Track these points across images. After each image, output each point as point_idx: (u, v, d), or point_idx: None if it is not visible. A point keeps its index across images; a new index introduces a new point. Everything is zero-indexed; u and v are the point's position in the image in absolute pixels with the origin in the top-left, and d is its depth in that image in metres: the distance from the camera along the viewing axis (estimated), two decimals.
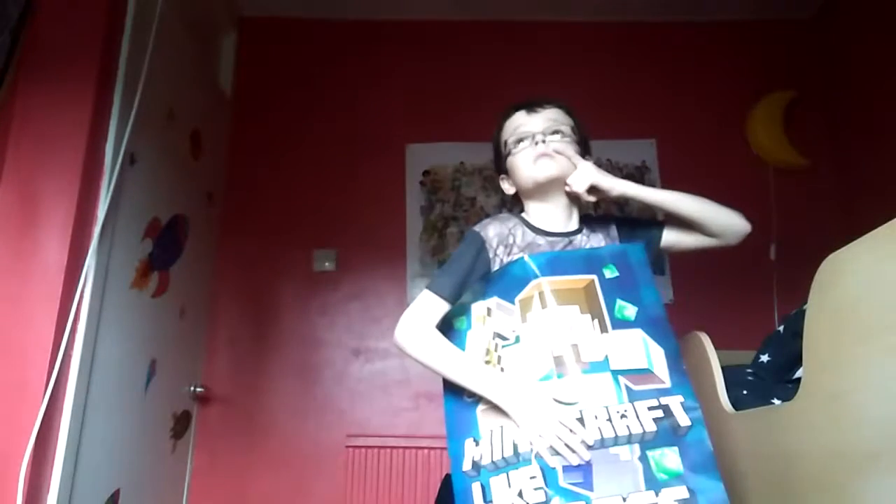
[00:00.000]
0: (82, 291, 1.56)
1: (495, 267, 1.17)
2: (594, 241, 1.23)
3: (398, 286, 2.50)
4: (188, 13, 2.22)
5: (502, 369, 1.09)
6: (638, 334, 1.06)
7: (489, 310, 1.15)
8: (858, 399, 1.01)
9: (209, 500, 2.29)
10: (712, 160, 2.59)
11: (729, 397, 1.54)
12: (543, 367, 1.04)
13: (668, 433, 0.98)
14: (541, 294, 1.08)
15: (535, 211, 1.25)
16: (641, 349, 1.05)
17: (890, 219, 0.93)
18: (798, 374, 1.30)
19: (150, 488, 2.01)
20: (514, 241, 1.19)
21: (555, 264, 1.11)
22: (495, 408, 1.06)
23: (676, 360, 1.05)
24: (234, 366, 2.44)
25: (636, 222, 1.32)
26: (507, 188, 1.31)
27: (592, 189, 1.18)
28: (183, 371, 2.25)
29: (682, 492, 0.94)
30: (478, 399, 1.09)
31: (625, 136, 2.60)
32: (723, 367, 1.58)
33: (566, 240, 1.21)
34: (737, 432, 1.47)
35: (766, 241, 2.48)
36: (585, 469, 0.96)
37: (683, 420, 0.98)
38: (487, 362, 1.11)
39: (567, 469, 0.96)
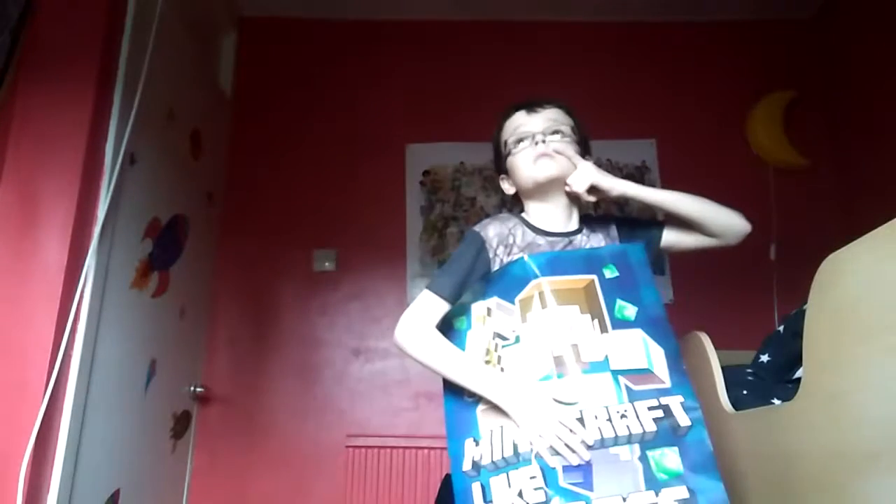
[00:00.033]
0: (82, 291, 1.56)
1: (495, 267, 1.17)
2: (594, 241, 1.23)
3: (398, 286, 2.50)
4: (188, 13, 2.22)
5: (502, 369, 1.09)
6: (638, 334, 1.06)
7: (489, 310, 1.15)
8: (858, 399, 1.01)
9: (209, 500, 2.29)
10: (712, 160, 2.59)
11: (729, 397, 1.54)
12: (543, 367, 1.04)
13: (668, 433, 0.98)
14: (541, 294, 1.08)
15: (535, 211, 1.25)
16: (641, 349, 1.05)
17: (890, 219, 0.93)
18: (798, 374, 1.30)
19: (150, 488, 2.01)
20: (514, 241, 1.18)
21: (555, 264, 1.11)
22: (495, 408, 1.06)
23: (676, 360, 1.05)
24: (234, 366, 2.44)
25: (636, 222, 1.32)
26: (508, 188, 1.31)
27: (592, 189, 1.18)
28: (183, 371, 2.25)
29: (682, 492, 0.94)
30: (478, 399, 1.09)
31: (625, 136, 2.60)
32: (723, 367, 1.58)
33: (566, 240, 1.21)
34: (737, 432, 1.47)
35: (766, 241, 2.48)
36: (585, 469, 0.96)
37: (683, 420, 0.98)
38: (487, 362, 1.11)
39: (567, 469, 0.96)
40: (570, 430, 0.97)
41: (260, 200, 2.60)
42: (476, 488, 1.03)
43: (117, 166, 1.67)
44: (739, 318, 2.28)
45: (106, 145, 1.68)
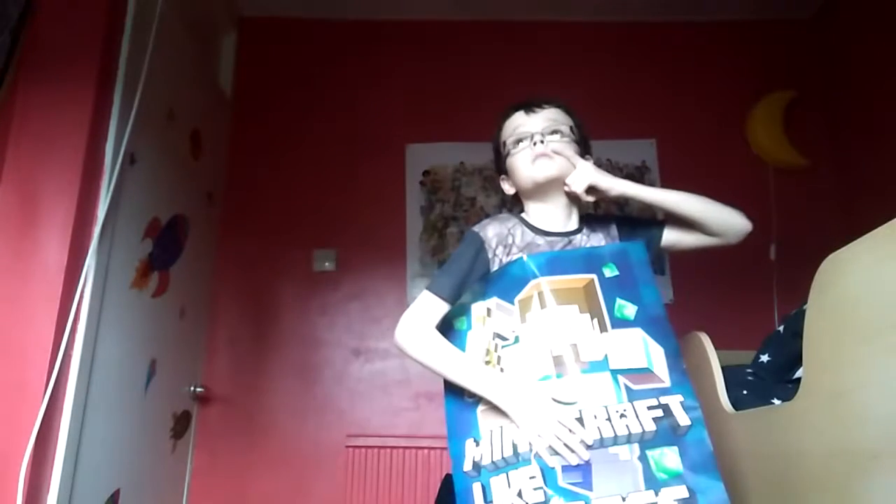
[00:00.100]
0: (82, 291, 1.57)
1: (495, 267, 1.17)
2: (594, 240, 1.23)
3: (398, 286, 2.50)
4: (188, 13, 2.22)
5: (502, 369, 1.09)
6: (638, 333, 1.06)
7: (489, 310, 1.15)
8: (859, 399, 1.01)
9: (209, 500, 2.29)
10: (712, 160, 2.59)
11: (729, 397, 1.54)
12: (543, 367, 1.04)
13: (667, 433, 0.97)
14: (540, 294, 1.08)
15: (535, 211, 1.25)
16: (641, 348, 1.05)
17: (890, 219, 0.93)
18: (798, 374, 1.30)
19: (150, 488, 2.01)
20: (514, 242, 1.18)
21: (554, 264, 1.11)
22: (495, 408, 1.06)
23: (676, 359, 1.05)
24: (234, 366, 2.44)
25: (636, 221, 1.32)
26: (507, 188, 1.31)
27: (591, 189, 1.18)
28: (183, 371, 2.25)
29: (681, 491, 0.94)
30: (478, 399, 1.09)
31: (625, 136, 2.60)
32: (723, 367, 1.58)
33: (566, 239, 1.21)
34: (737, 432, 1.47)
35: (766, 241, 2.48)
36: (585, 469, 0.96)
37: (683, 419, 0.98)
38: (487, 363, 1.11)
39: (566, 469, 0.96)
40: (570, 430, 0.97)
41: (260, 200, 2.61)
42: (476, 488, 1.03)
43: (117, 166, 1.67)
44: (739, 318, 2.28)
45: (106, 145, 1.69)
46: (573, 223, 1.24)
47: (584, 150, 1.26)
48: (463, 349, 1.15)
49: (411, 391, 2.40)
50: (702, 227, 1.19)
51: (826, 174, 2.60)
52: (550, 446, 0.97)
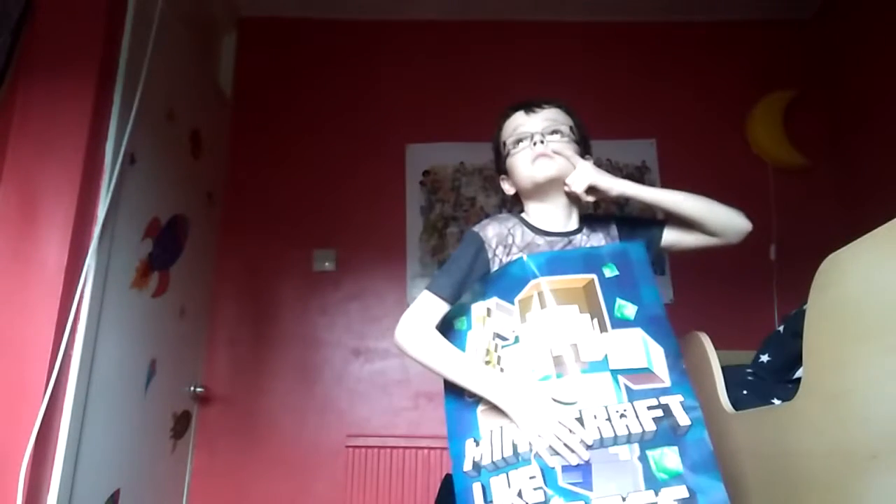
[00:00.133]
0: (82, 291, 1.57)
1: (494, 267, 1.17)
2: (594, 240, 1.23)
3: (398, 286, 2.50)
4: (188, 13, 2.22)
5: (502, 370, 1.09)
6: (637, 333, 1.06)
7: (489, 310, 1.15)
8: (859, 399, 1.01)
9: (209, 500, 2.29)
10: (712, 160, 2.59)
11: (729, 397, 1.54)
12: (543, 367, 1.04)
13: (667, 433, 0.97)
14: (540, 294, 1.08)
15: (535, 211, 1.25)
16: (641, 348, 1.05)
17: (890, 219, 0.93)
18: (798, 374, 1.30)
19: (150, 488, 2.01)
20: (514, 242, 1.18)
21: (554, 264, 1.11)
22: (495, 408, 1.05)
23: (676, 359, 1.05)
24: (234, 366, 2.44)
25: (636, 221, 1.32)
26: (508, 188, 1.31)
27: (591, 189, 1.18)
28: (183, 371, 2.25)
29: (681, 491, 0.94)
30: (478, 399, 1.09)
31: (625, 136, 2.61)
32: (723, 367, 1.58)
33: (565, 239, 1.21)
34: (737, 432, 1.47)
35: (766, 241, 2.48)
36: (585, 469, 0.95)
37: (683, 419, 0.98)
38: (487, 363, 1.11)
39: (566, 469, 0.96)
40: (569, 430, 0.97)
41: (260, 200, 2.61)
42: (476, 488, 1.03)
43: (117, 166, 1.67)
44: (739, 318, 2.28)
45: (106, 145, 1.69)
46: (573, 223, 1.24)
47: (585, 150, 1.26)
48: (463, 349, 1.15)
49: (411, 391, 2.40)
50: (702, 226, 1.19)
51: (826, 174, 2.60)
52: (550, 446, 0.97)
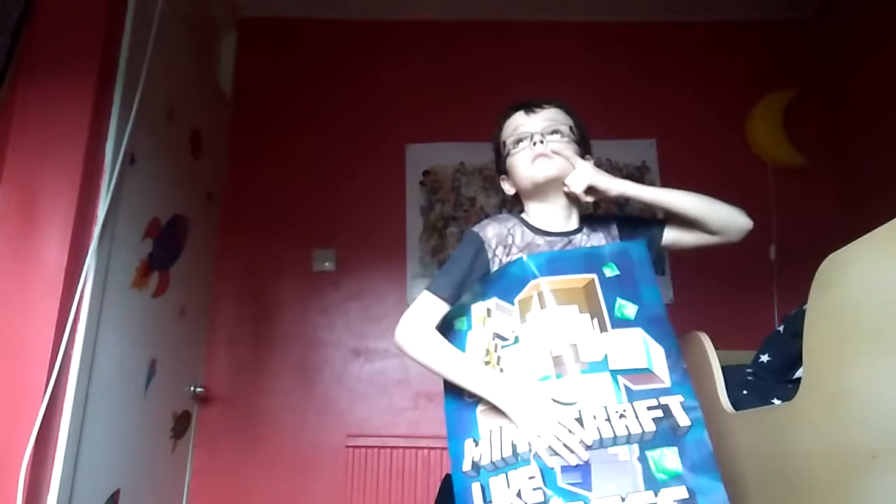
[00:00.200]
0: (82, 291, 1.57)
1: (494, 267, 1.17)
2: (594, 240, 1.23)
3: (398, 286, 2.50)
4: (188, 13, 2.22)
5: (502, 370, 1.09)
6: (638, 333, 1.05)
7: (489, 310, 1.15)
8: (858, 399, 1.01)
9: (209, 500, 2.29)
10: (712, 160, 2.59)
11: (729, 397, 1.54)
12: (542, 367, 1.04)
13: (667, 433, 0.97)
14: (540, 294, 1.08)
15: (535, 211, 1.25)
16: (641, 348, 1.04)
17: (890, 219, 0.93)
18: (798, 374, 1.30)
19: (150, 488, 2.01)
20: (513, 242, 1.18)
21: (554, 264, 1.11)
22: (495, 408, 1.05)
23: (676, 359, 1.05)
24: (234, 366, 2.44)
25: (637, 221, 1.32)
26: (508, 188, 1.31)
27: (591, 189, 1.18)
28: (183, 371, 2.25)
29: (681, 492, 0.93)
30: (478, 399, 1.09)
31: (625, 136, 2.61)
32: (723, 367, 1.58)
33: (565, 239, 1.21)
34: (737, 432, 1.47)
35: (766, 241, 2.48)
36: (584, 469, 0.95)
37: (683, 420, 0.98)
38: (487, 363, 1.11)
39: (566, 469, 0.96)
40: (569, 431, 0.97)
41: (260, 200, 2.61)
42: (476, 488, 1.03)
43: (117, 166, 1.67)
44: (739, 318, 2.28)
45: (106, 145, 1.69)
46: (573, 223, 1.24)
47: (585, 151, 1.26)
48: (463, 349, 1.15)
49: (411, 391, 2.40)
50: (702, 225, 1.19)
51: (826, 174, 2.60)
52: (550, 447, 0.97)
